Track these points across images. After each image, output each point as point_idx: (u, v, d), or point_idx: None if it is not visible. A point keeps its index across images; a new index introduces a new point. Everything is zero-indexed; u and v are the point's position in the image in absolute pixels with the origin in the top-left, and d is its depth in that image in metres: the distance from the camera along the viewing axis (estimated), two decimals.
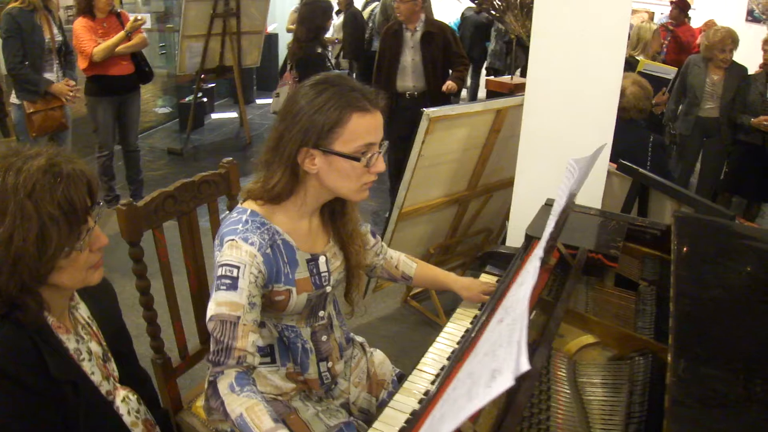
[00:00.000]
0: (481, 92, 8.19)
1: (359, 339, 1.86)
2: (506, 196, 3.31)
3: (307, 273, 1.52)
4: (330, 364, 1.66)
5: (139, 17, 4.38)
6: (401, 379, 1.64)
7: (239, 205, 1.51)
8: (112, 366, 1.39)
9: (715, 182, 5.03)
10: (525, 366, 0.74)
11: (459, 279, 1.91)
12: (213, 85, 7.99)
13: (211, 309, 1.39)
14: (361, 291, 1.74)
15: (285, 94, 5.19)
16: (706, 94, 4.80)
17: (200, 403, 1.82)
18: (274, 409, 1.46)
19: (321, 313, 1.62)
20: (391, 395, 1.54)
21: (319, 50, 5.05)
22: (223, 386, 1.37)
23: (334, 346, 1.68)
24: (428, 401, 1.32)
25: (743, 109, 4.53)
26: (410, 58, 4.49)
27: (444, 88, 4.47)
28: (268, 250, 1.44)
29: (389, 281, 1.99)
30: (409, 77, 4.55)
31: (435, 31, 4.44)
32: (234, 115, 8.04)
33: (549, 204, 2.06)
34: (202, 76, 6.59)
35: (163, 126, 7.56)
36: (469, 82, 8.29)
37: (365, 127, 1.39)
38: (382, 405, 1.71)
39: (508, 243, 2.85)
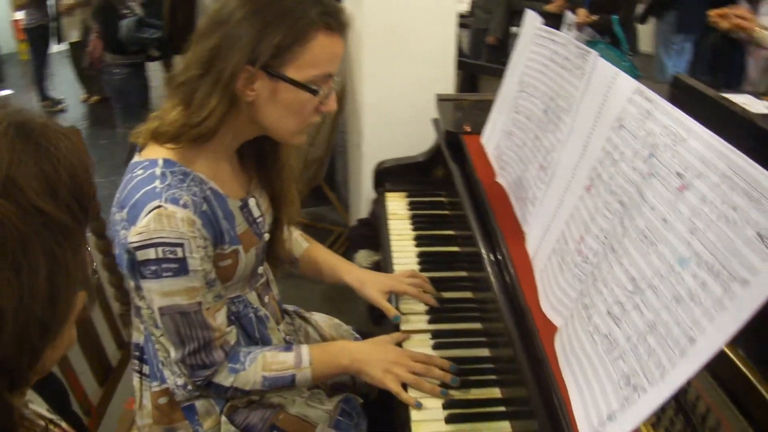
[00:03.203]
0: None
1: (290, 307, 1.53)
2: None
3: (246, 224, 1.22)
4: (281, 327, 1.38)
5: None
6: (365, 336, 1.44)
7: (139, 156, 1.12)
8: None
9: None
10: None
11: (354, 269, 1.51)
12: None
13: (157, 300, 1.10)
14: (287, 249, 1.42)
15: None
16: None
17: None
18: (252, 415, 1.26)
19: (260, 269, 1.31)
20: None
21: None
22: (224, 378, 1.17)
23: (276, 308, 1.39)
24: None
25: None
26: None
27: None
28: (204, 207, 1.12)
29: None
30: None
31: None
32: None
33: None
34: None
35: None
36: None
37: (330, 52, 1.11)
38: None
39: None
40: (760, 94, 1.63)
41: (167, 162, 1.10)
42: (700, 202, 0.76)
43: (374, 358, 1.22)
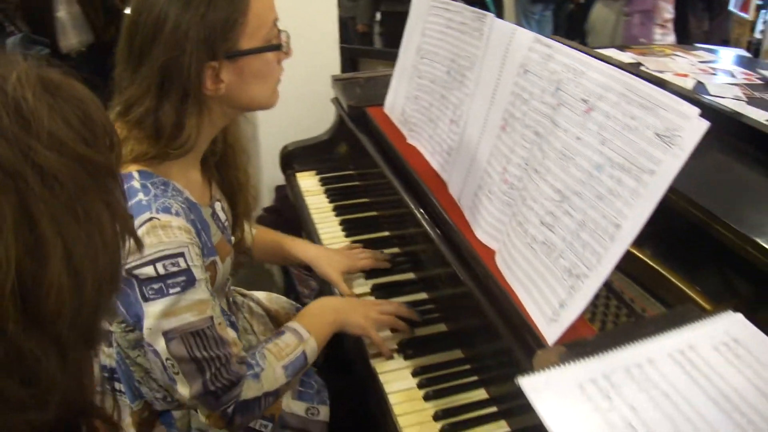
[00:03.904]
0: None
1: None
2: None
3: (219, 232, 1.17)
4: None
5: None
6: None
7: None
8: None
9: None
10: None
11: (308, 247, 1.53)
12: None
13: (163, 324, 0.98)
14: (248, 244, 1.43)
15: None
16: None
17: None
18: None
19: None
20: None
21: None
22: (251, 389, 1.09)
23: (231, 302, 1.40)
24: None
25: None
26: None
27: None
28: (192, 216, 1.06)
29: None
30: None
31: None
32: None
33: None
34: None
35: None
36: None
37: (267, 2, 1.07)
38: None
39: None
40: (623, 47, 1.89)
41: (143, 173, 1.01)
42: (605, 119, 0.94)
43: (353, 310, 1.28)
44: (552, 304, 0.97)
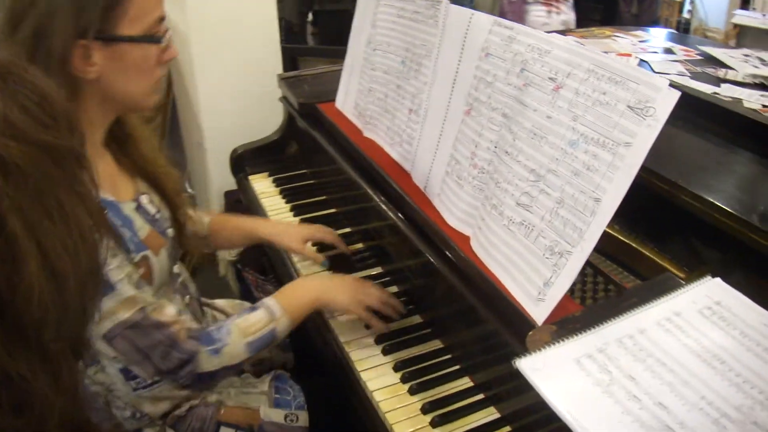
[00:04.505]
0: None
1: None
2: None
3: (147, 225, 1.14)
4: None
5: None
6: None
7: None
8: None
9: None
10: None
11: (268, 223, 1.53)
12: None
13: (99, 330, 1.00)
14: (193, 230, 1.40)
15: None
16: None
17: None
18: (195, 419, 1.24)
19: (176, 269, 1.27)
20: None
21: None
22: (208, 363, 1.10)
23: (197, 307, 1.37)
24: None
25: None
26: None
27: None
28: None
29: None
30: None
31: None
32: None
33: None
34: None
35: None
36: None
37: None
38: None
39: None
40: (564, 32, 1.92)
41: None
42: (574, 95, 0.95)
43: (339, 288, 1.26)
44: (536, 284, 0.97)
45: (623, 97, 0.88)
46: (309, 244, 1.50)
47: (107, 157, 1.14)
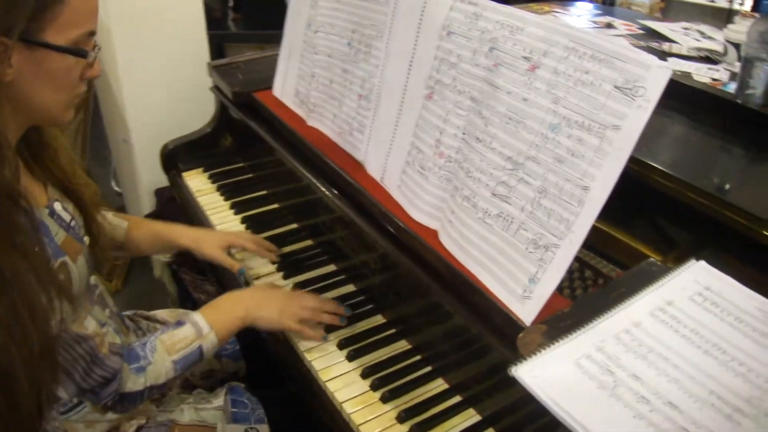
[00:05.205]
0: None
1: (128, 312, 1.40)
2: None
3: (63, 231, 1.05)
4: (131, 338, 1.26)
5: None
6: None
7: None
8: None
9: None
10: None
11: (186, 230, 1.42)
12: None
13: None
14: (108, 236, 1.27)
15: None
16: None
17: None
18: None
19: (92, 279, 1.16)
20: None
21: None
22: (133, 383, 1.05)
23: (118, 321, 1.24)
24: None
25: None
26: None
27: None
28: None
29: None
30: None
31: None
32: None
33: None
34: None
35: None
36: None
37: (90, 7, 0.95)
38: (219, 355, 1.40)
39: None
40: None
41: None
42: (553, 76, 0.88)
43: (267, 302, 1.20)
44: (520, 280, 0.90)
45: (609, 77, 0.82)
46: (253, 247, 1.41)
47: (18, 163, 1.02)
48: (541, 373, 0.76)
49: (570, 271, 1.07)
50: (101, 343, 1.01)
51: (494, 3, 0.97)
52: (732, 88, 1.34)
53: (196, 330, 1.13)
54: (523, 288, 0.89)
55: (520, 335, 0.83)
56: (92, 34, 0.97)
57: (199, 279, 1.99)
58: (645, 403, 0.72)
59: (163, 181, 1.83)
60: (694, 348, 0.79)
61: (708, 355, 0.78)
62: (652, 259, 0.96)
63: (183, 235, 1.40)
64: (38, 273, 0.46)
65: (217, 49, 2.40)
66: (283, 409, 1.28)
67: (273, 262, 1.42)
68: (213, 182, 1.69)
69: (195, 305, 1.76)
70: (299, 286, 1.35)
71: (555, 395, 0.73)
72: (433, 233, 1.08)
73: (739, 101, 1.27)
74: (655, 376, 0.75)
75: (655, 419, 0.70)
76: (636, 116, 0.79)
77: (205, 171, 1.74)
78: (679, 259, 0.94)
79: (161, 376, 1.08)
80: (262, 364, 1.39)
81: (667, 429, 0.69)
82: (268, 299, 1.22)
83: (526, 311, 0.88)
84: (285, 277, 1.38)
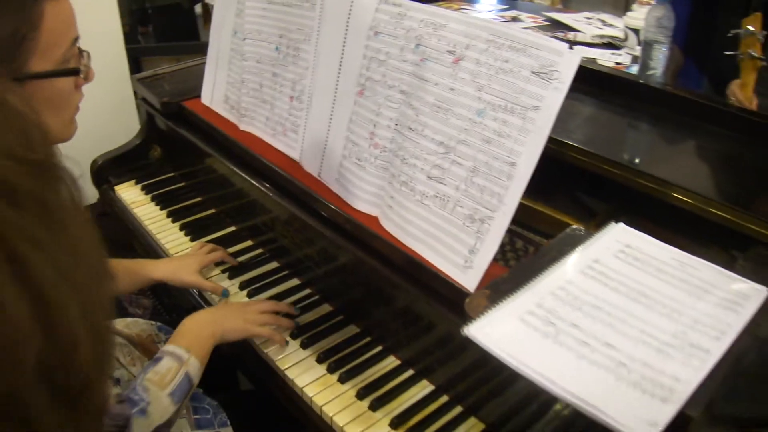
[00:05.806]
0: None
1: None
2: None
3: None
4: None
5: None
6: (170, 323, 1.39)
7: None
8: None
9: None
10: None
11: (158, 264, 1.41)
12: None
13: None
14: None
15: None
16: None
17: None
18: None
19: None
20: None
21: None
22: (140, 428, 1.01)
23: None
24: None
25: None
26: None
27: None
28: None
29: None
30: None
31: None
32: None
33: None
34: None
35: None
36: None
37: (65, 18, 0.93)
38: None
39: None
40: None
41: None
42: (476, 66, 0.97)
43: (228, 314, 1.23)
44: (461, 252, 0.99)
45: (526, 64, 0.91)
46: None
47: None
48: (491, 331, 0.84)
49: (503, 244, 1.16)
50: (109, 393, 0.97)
51: (417, 3, 1.05)
52: (635, 69, 1.48)
53: (175, 359, 1.12)
54: (464, 259, 0.98)
55: (467, 300, 0.91)
56: (76, 39, 0.95)
57: (134, 294, 1.98)
58: (586, 346, 0.81)
59: (92, 197, 1.82)
60: (622, 297, 0.89)
61: (636, 301, 0.88)
62: (575, 226, 1.07)
63: (157, 268, 1.39)
64: (95, 237, 0.49)
65: (134, 63, 2.39)
66: (243, 411, 1.31)
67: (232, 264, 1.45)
68: (146, 193, 1.70)
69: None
70: (245, 284, 1.39)
71: (507, 348, 0.81)
72: (375, 220, 1.15)
73: (641, 81, 1.41)
74: (591, 324, 0.84)
75: (597, 358, 0.80)
76: (553, 97, 0.89)
77: (137, 183, 1.74)
78: (600, 226, 1.05)
79: (164, 412, 1.06)
80: (214, 366, 1.42)
81: (608, 365, 0.79)
82: (228, 312, 1.24)
83: (469, 279, 0.97)
84: (230, 278, 1.42)
